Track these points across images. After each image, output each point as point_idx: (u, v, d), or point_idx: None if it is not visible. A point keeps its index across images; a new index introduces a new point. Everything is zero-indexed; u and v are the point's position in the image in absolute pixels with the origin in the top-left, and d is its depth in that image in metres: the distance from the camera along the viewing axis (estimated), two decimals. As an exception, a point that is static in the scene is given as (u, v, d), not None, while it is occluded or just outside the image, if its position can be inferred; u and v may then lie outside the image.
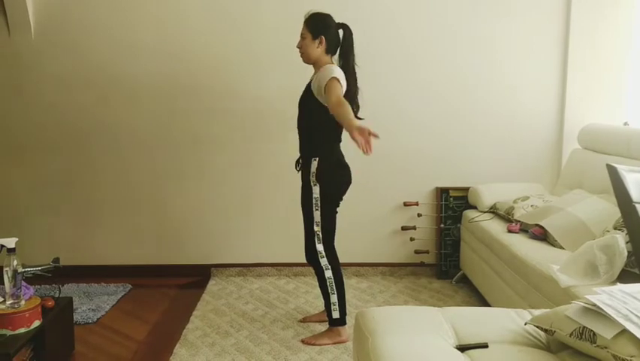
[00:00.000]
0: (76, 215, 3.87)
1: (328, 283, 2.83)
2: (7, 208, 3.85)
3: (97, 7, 3.69)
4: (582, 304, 1.57)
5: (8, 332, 2.29)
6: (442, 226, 3.84)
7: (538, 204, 3.19)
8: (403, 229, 3.88)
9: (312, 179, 2.78)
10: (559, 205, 2.99)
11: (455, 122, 3.81)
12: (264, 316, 3.23)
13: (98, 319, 3.17)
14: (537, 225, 2.92)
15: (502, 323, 1.81)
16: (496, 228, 3.19)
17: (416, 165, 3.84)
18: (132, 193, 3.86)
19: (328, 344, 2.83)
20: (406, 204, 3.86)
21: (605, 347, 1.44)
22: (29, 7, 3.63)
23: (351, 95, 2.82)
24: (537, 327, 1.70)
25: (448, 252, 3.86)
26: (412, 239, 3.88)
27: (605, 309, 1.49)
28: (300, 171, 2.90)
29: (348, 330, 2.87)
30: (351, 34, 2.82)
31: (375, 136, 2.28)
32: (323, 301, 2.93)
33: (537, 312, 1.84)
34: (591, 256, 2.24)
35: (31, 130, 3.80)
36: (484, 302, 3.25)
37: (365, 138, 2.29)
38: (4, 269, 2.35)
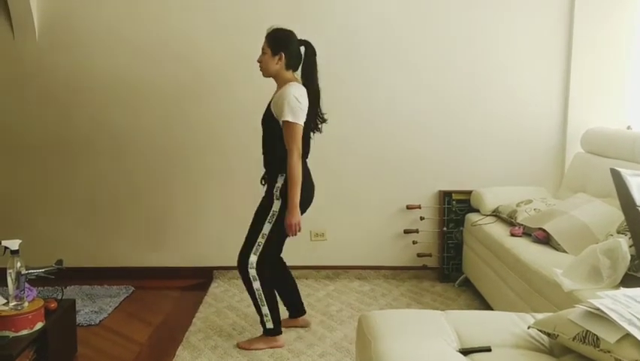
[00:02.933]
0: (80, 217, 3.88)
1: (257, 295, 2.80)
2: (11, 210, 3.86)
3: (101, 9, 3.70)
4: (585, 308, 1.57)
5: (11, 334, 2.30)
6: (445, 229, 3.84)
7: (541, 207, 3.19)
8: (406, 232, 3.88)
9: (276, 193, 2.74)
10: (562, 209, 2.99)
11: (458, 125, 3.81)
12: (266, 318, 3.23)
13: (100, 321, 3.17)
14: (540, 228, 2.92)
15: (505, 327, 1.81)
16: (498, 231, 3.19)
17: (419, 169, 3.84)
18: (135, 195, 3.86)
19: (264, 348, 2.81)
20: (408, 208, 3.86)
21: (609, 351, 1.44)
22: (34, 9, 3.64)
23: (314, 111, 2.81)
24: (540, 331, 1.70)
25: (450, 255, 3.85)
26: (414, 242, 3.88)
27: (608, 313, 1.49)
28: (266, 185, 2.85)
29: (284, 337, 2.88)
30: (313, 51, 2.80)
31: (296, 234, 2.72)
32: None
33: (540, 316, 1.84)
34: (594, 259, 2.24)
35: (35, 132, 3.81)
36: (486, 306, 3.25)
37: (294, 227, 2.69)
38: (8, 271, 2.35)
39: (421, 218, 3.86)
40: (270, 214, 2.75)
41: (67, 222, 3.88)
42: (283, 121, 2.66)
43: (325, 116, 2.94)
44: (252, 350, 2.81)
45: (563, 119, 3.81)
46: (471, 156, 3.83)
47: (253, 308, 3.34)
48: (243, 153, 3.80)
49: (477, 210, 3.67)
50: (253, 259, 2.78)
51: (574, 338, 1.55)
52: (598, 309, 1.52)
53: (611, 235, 2.51)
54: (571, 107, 3.77)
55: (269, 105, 2.78)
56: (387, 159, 3.83)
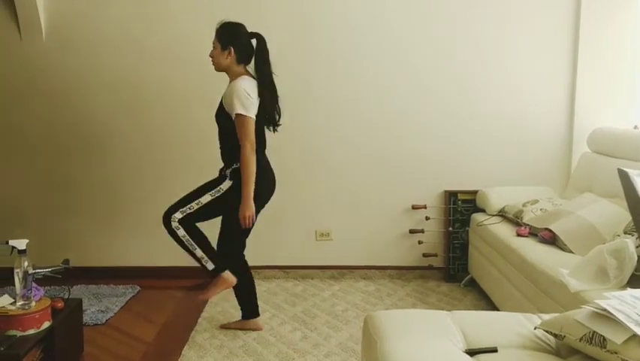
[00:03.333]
0: (86, 217, 3.89)
1: (186, 241, 2.80)
2: (18, 209, 3.88)
3: (107, 10, 3.72)
4: (592, 308, 1.57)
5: (18, 333, 2.31)
6: (451, 229, 3.83)
7: (548, 207, 3.18)
8: (411, 232, 3.87)
9: (229, 174, 2.78)
10: (568, 209, 2.98)
11: (464, 125, 3.80)
12: (271, 318, 3.23)
13: (106, 320, 3.18)
14: (546, 228, 2.91)
15: (512, 328, 1.80)
16: (504, 231, 3.18)
17: (424, 168, 3.83)
18: (141, 194, 3.87)
19: (219, 291, 2.87)
20: (414, 208, 3.85)
21: (615, 352, 1.44)
22: (40, 10, 3.66)
23: (269, 104, 2.80)
24: (547, 332, 1.70)
25: (456, 255, 3.85)
26: (420, 242, 3.87)
27: (615, 314, 1.48)
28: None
29: (229, 275, 2.88)
30: (264, 44, 2.79)
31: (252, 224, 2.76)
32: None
33: (547, 316, 1.83)
34: (601, 260, 2.23)
35: (42, 132, 3.83)
36: (492, 306, 3.24)
37: (247, 219, 2.72)
38: (15, 270, 2.37)
39: (427, 218, 3.85)
40: (216, 189, 2.78)
41: (73, 222, 3.90)
42: (235, 114, 2.67)
43: (280, 113, 2.91)
44: (210, 296, 2.88)
45: (569, 118, 3.79)
46: (477, 155, 3.82)
47: (259, 308, 3.37)
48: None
49: (483, 210, 3.66)
50: (177, 215, 2.79)
51: (580, 339, 1.54)
52: (605, 310, 1.52)
53: (618, 236, 2.50)
54: (577, 107, 3.75)
55: (221, 100, 2.80)
56: (393, 159, 3.83)
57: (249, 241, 3.86)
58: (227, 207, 2.80)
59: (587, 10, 3.67)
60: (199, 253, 2.81)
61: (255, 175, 2.70)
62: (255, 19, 3.69)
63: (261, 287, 3.74)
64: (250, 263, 3.86)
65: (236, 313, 3.29)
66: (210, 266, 2.84)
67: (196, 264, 3.84)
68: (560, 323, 1.64)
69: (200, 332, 3.04)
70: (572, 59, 3.75)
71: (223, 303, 3.46)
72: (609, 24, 3.67)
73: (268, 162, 2.91)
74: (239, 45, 2.77)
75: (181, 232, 2.79)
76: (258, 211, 2.89)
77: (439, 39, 3.74)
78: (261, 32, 3.70)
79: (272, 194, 2.94)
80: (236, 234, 2.87)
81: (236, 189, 2.75)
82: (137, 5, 3.72)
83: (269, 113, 2.85)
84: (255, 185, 2.74)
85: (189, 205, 2.79)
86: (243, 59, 2.79)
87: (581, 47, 3.71)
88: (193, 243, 2.81)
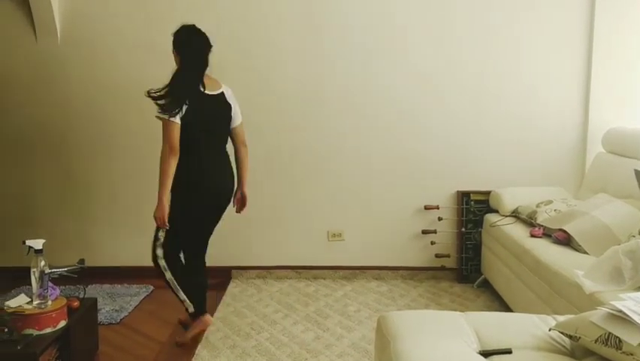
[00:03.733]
0: (101, 217, 3.93)
1: (171, 284, 2.88)
2: (35, 210, 3.93)
3: (122, 13, 3.75)
4: (607, 310, 1.56)
5: (35, 332, 2.34)
6: (463, 229, 3.82)
7: (562, 208, 3.15)
8: (424, 232, 3.86)
9: None
10: (583, 210, 2.96)
11: (477, 125, 3.79)
12: (284, 318, 3.24)
13: (121, 319, 3.22)
14: (561, 229, 2.89)
15: (526, 329, 1.80)
16: (518, 232, 3.16)
17: (437, 169, 3.82)
18: (155, 195, 3.89)
19: (197, 332, 2.92)
20: (426, 208, 3.84)
21: (631, 354, 1.43)
22: (56, 13, 3.70)
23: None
24: (562, 333, 1.69)
25: (469, 256, 3.83)
26: (432, 243, 3.86)
27: (630, 315, 1.47)
28: None
29: (208, 317, 2.99)
30: (198, 43, 2.82)
31: (165, 226, 2.74)
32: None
33: (561, 318, 1.82)
34: (616, 261, 2.21)
35: (57, 133, 3.87)
36: (505, 307, 3.23)
37: (157, 220, 2.73)
38: (32, 270, 2.40)
39: (439, 219, 3.84)
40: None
41: (89, 222, 3.93)
42: (157, 116, 2.70)
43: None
44: (189, 340, 2.90)
45: (583, 118, 3.77)
46: (489, 156, 3.81)
47: (271, 308, 3.39)
48: (255, 150, 3.81)
49: (496, 211, 3.64)
50: (159, 252, 2.84)
51: (596, 341, 1.53)
52: (620, 311, 1.51)
53: (633, 236, 2.48)
54: (592, 107, 3.72)
55: None
56: (405, 159, 3.82)
57: (261, 240, 3.90)
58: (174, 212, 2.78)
59: (601, 9, 3.63)
60: (182, 295, 2.90)
61: (170, 179, 2.69)
62: (255, 20, 3.74)
63: (273, 287, 3.75)
64: (262, 263, 3.91)
65: (249, 313, 3.31)
66: (191, 310, 2.93)
67: (209, 264, 3.89)
68: (575, 325, 1.63)
69: (214, 331, 3.06)
70: (586, 58, 3.72)
71: (235, 303, 3.47)
72: (623, 23, 3.63)
73: (215, 166, 2.86)
74: (178, 50, 2.83)
75: (168, 275, 2.87)
76: (189, 221, 2.86)
77: (449, 39, 3.73)
78: (261, 32, 3.74)
79: (213, 201, 2.91)
80: (175, 236, 2.84)
81: (177, 199, 2.76)
82: (152, 7, 3.74)
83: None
84: (184, 193, 2.76)
85: (159, 237, 2.82)
86: (188, 61, 2.80)
87: (595, 47, 3.67)
88: (178, 286, 2.89)
